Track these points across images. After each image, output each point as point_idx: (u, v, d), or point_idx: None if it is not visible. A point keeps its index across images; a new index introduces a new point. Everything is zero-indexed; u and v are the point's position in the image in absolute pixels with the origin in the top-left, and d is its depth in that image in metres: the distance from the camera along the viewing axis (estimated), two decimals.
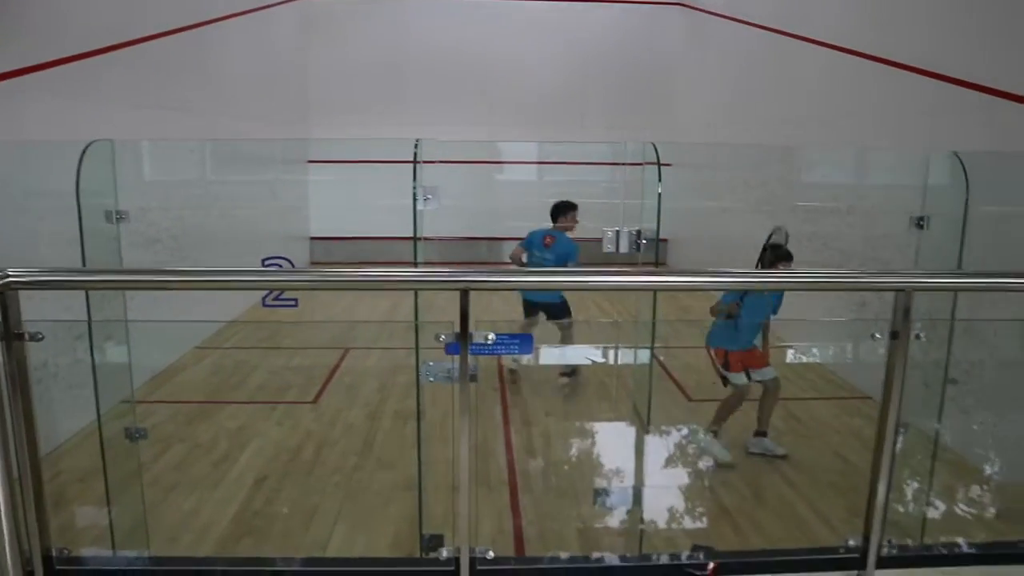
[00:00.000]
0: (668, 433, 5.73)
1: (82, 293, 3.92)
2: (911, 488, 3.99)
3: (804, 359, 6.98)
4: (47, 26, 5.62)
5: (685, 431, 5.76)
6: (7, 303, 2.07)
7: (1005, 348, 5.02)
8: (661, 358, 6.59)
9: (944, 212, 3.84)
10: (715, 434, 5.30)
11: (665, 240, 12.92)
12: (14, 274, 2.01)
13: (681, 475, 5.25)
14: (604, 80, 14.22)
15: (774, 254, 5.08)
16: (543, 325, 6.78)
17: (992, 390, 5.00)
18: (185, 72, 8.21)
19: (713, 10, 12.16)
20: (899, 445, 2.45)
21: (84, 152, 3.51)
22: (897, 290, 2.31)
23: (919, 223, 3.94)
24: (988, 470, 4.92)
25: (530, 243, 6.75)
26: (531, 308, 6.80)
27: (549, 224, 6.67)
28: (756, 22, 10.29)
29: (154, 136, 7.00)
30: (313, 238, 13.45)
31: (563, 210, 6.58)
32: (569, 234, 6.64)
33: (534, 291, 6.38)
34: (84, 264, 3.94)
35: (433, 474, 4.02)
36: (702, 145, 11.94)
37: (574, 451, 5.78)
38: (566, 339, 6.89)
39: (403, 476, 4.81)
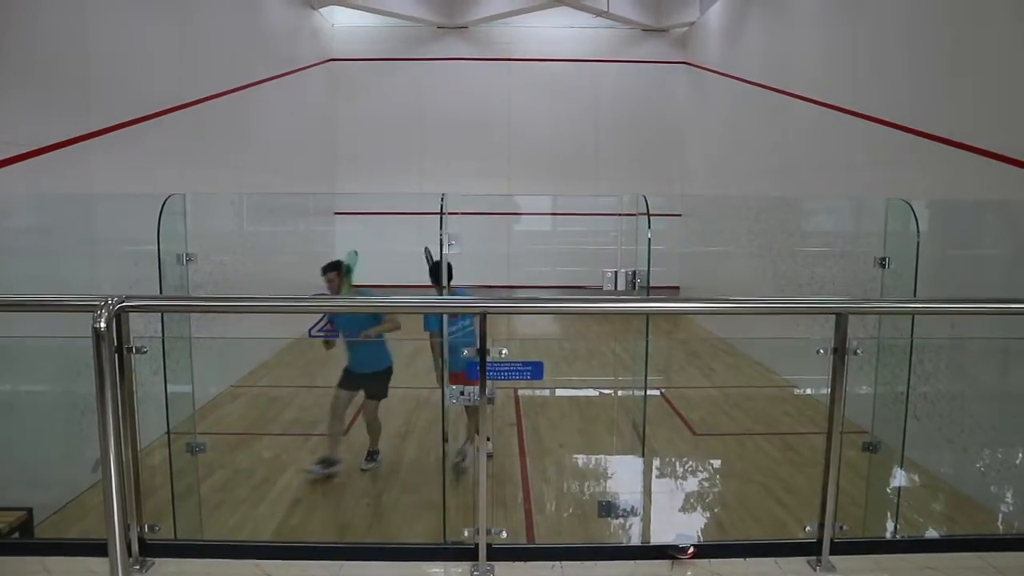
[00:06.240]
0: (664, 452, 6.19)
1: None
2: (880, 492, 4.41)
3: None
4: (108, 95, 6.35)
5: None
6: (121, 323, 2.62)
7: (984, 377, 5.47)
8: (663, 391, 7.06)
9: (904, 253, 4.35)
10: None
11: (676, 288, 13.44)
12: (128, 299, 2.56)
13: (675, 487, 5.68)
14: (616, 134, 14.93)
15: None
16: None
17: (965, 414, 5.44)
18: (225, 131, 8.96)
19: (712, 67, 12.87)
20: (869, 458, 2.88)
21: (164, 204, 4.10)
22: (837, 314, 2.80)
23: (881, 263, 4.48)
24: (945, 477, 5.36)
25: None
26: (351, 380, 6.06)
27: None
28: (748, 78, 10.94)
29: (195, 189, 7.66)
30: None
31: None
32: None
33: (361, 363, 5.95)
34: None
35: (453, 495, 4.49)
36: (708, 196, 12.53)
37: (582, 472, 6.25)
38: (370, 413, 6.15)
39: (427, 498, 5.28)
